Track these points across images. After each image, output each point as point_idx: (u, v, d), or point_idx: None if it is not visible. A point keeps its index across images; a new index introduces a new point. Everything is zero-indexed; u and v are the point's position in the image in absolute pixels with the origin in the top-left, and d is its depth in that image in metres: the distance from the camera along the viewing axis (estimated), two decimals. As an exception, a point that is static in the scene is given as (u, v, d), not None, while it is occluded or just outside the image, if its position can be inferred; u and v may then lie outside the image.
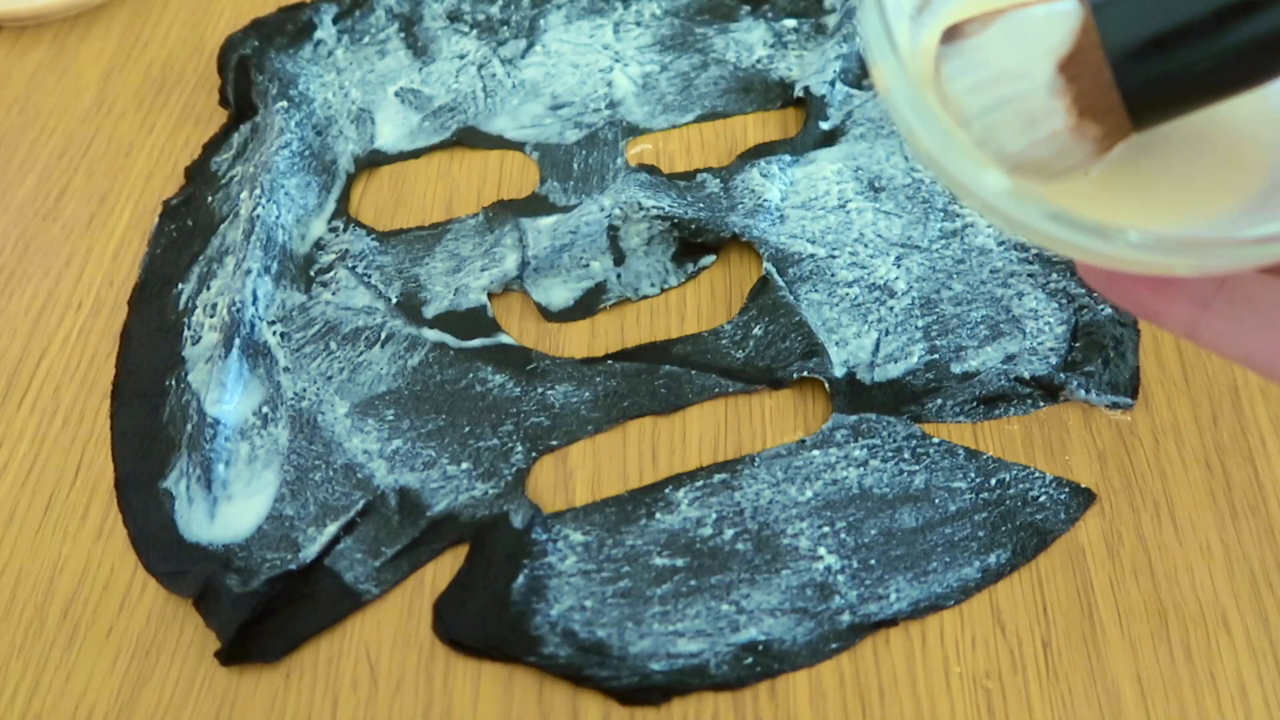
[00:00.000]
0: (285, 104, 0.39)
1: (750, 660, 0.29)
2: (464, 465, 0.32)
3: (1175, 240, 0.17)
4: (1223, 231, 0.19)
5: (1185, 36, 0.18)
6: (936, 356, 0.34)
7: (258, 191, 0.36)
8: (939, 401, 0.33)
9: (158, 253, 0.37)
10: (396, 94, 0.41)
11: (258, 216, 0.35)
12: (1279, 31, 0.18)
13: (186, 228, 0.37)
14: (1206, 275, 0.19)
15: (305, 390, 0.33)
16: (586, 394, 0.33)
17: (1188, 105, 0.19)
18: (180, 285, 0.36)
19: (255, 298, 0.34)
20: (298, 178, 0.37)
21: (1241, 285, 0.20)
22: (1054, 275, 0.35)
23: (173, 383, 0.33)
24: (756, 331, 0.34)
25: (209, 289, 0.35)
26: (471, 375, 0.34)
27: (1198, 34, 0.18)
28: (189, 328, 0.34)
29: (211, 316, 0.34)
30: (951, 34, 0.20)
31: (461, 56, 0.42)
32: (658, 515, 0.31)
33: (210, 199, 0.38)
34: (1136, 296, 0.21)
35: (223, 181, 0.38)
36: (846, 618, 0.29)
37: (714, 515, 0.31)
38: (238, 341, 0.33)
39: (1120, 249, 0.17)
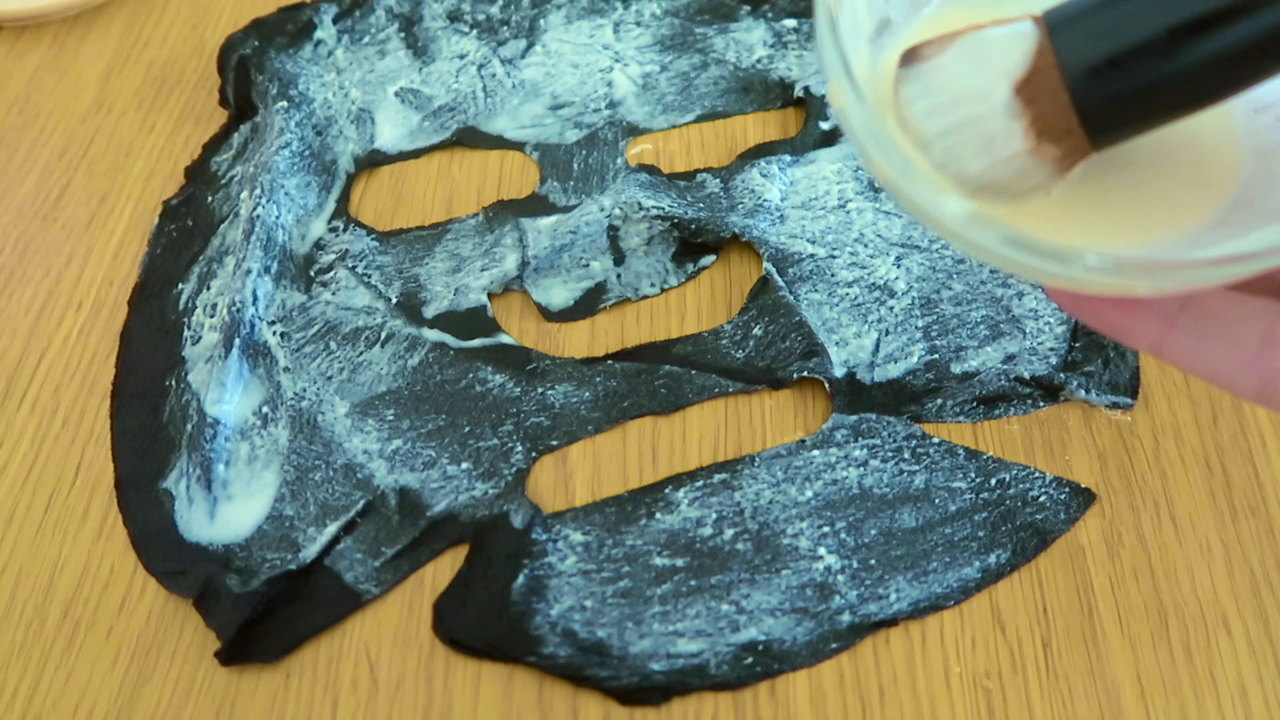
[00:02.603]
0: (285, 104, 0.39)
1: (750, 660, 0.29)
2: (464, 465, 0.32)
3: (1134, 262, 0.17)
4: (1187, 248, 0.19)
5: (1140, 56, 0.18)
6: (936, 356, 0.34)
7: (258, 191, 0.36)
8: (939, 401, 0.33)
9: (158, 253, 0.37)
10: (396, 94, 0.41)
11: (258, 216, 0.35)
12: (1233, 49, 0.18)
13: (186, 228, 0.37)
14: (1168, 295, 0.19)
15: (305, 390, 0.33)
16: (586, 394, 0.33)
17: (1145, 124, 0.19)
18: (180, 285, 0.36)
19: (255, 298, 0.34)
20: (298, 178, 0.37)
21: (1205, 302, 0.20)
22: (1054, 275, 0.35)
23: (173, 383, 0.33)
24: (756, 331, 0.34)
25: (209, 289, 0.35)
26: (471, 375, 0.34)
27: (1152, 53, 0.18)
28: (189, 328, 0.34)
29: (211, 316, 0.34)
30: (910, 56, 0.20)
31: (461, 56, 0.42)
32: (658, 515, 0.31)
33: (210, 199, 0.38)
34: (1101, 315, 0.21)
35: (223, 181, 0.38)
36: (846, 618, 0.29)
37: (714, 515, 0.31)
38: (238, 341, 0.33)
39: (1079, 272, 0.17)
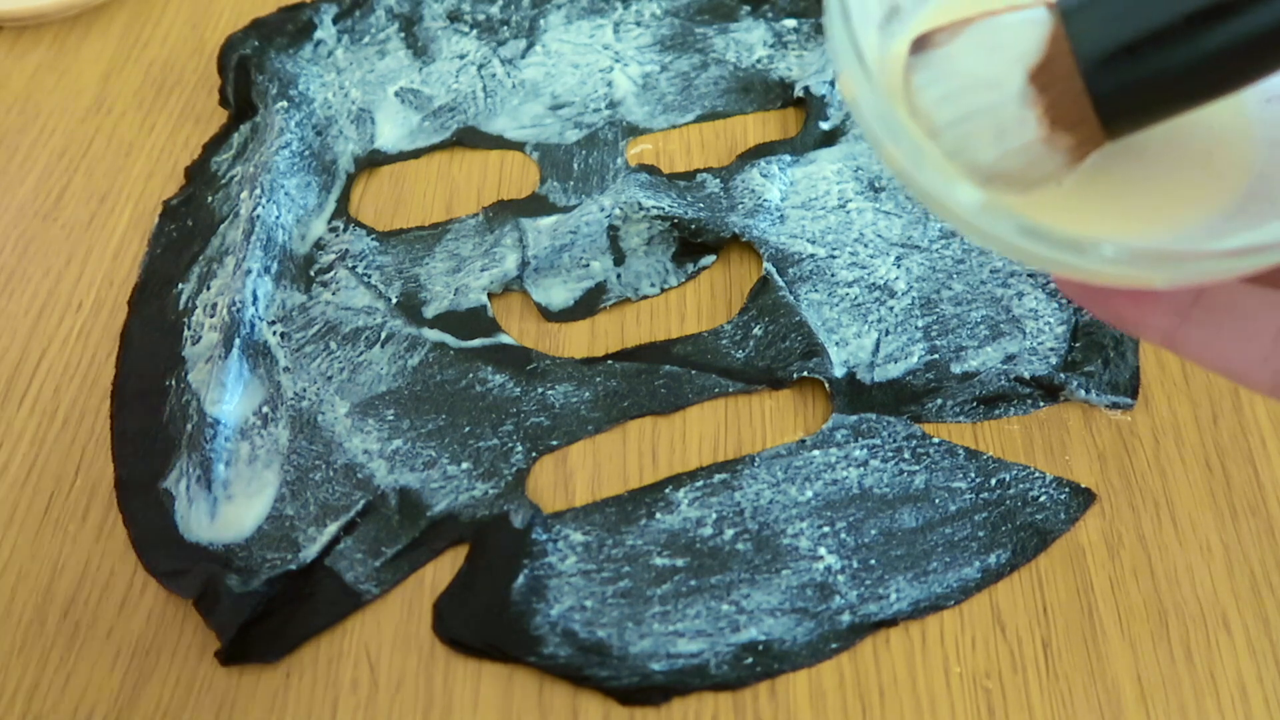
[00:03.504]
0: (285, 104, 0.39)
1: (750, 660, 0.29)
2: (464, 465, 0.32)
3: (1150, 253, 0.17)
4: (1198, 240, 0.19)
5: (1156, 43, 0.18)
6: (936, 356, 0.34)
7: (258, 191, 0.36)
8: (939, 401, 0.33)
9: (158, 253, 0.37)
10: (396, 94, 0.41)
11: (258, 216, 0.35)
12: (1251, 37, 0.17)
13: (186, 228, 0.37)
14: (1183, 287, 0.19)
15: (305, 390, 0.33)
16: (586, 394, 0.33)
17: (1160, 113, 0.19)
18: (180, 285, 0.36)
19: (255, 298, 0.34)
20: (298, 178, 0.37)
21: (1219, 295, 0.20)
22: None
23: (173, 383, 0.33)
24: (756, 331, 0.34)
25: (209, 289, 0.35)
26: (471, 375, 0.34)
27: (1169, 40, 0.18)
28: (189, 328, 0.34)
29: (211, 316, 0.34)
30: (921, 43, 0.20)
31: (461, 56, 0.42)
32: (658, 515, 0.31)
33: (210, 199, 0.38)
34: (1114, 308, 0.21)
35: (223, 181, 0.38)
36: (846, 618, 0.29)
37: (714, 515, 0.31)
38: (238, 341, 0.33)
39: (1095, 263, 0.17)
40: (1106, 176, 0.20)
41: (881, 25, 0.21)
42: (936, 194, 0.18)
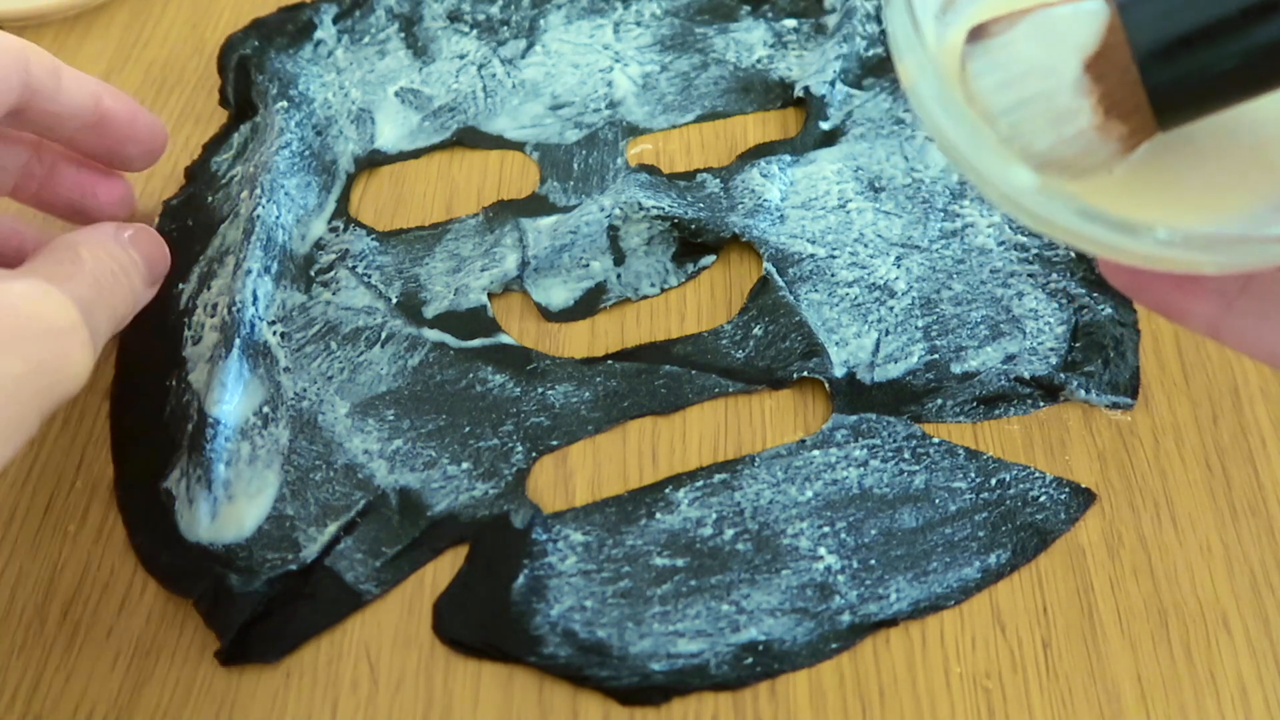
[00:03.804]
0: (285, 104, 0.39)
1: (750, 660, 0.29)
2: (464, 465, 0.32)
3: (1203, 237, 0.17)
4: (1246, 231, 0.19)
5: (1212, 36, 0.18)
6: (936, 356, 0.34)
7: (258, 191, 0.36)
8: (939, 401, 0.33)
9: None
10: (396, 94, 0.41)
11: (258, 216, 0.35)
12: None
13: (187, 228, 0.37)
14: (1233, 273, 0.19)
15: (306, 390, 0.33)
16: (586, 394, 0.33)
17: (1214, 105, 0.19)
18: (180, 285, 0.35)
19: (255, 298, 0.34)
20: (298, 178, 0.37)
21: (1266, 282, 0.20)
22: (1054, 275, 0.35)
23: (173, 383, 0.33)
24: (756, 331, 0.34)
25: (210, 289, 0.35)
26: (471, 375, 0.34)
27: (1224, 33, 0.18)
28: (189, 328, 0.34)
29: (212, 316, 0.34)
30: (977, 33, 0.20)
31: (461, 56, 0.42)
32: (658, 515, 0.31)
33: (210, 199, 0.38)
34: (1159, 294, 0.21)
35: (223, 181, 0.38)
36: (846, 618, 0.29)
37: (714, 515, 0.31)
38: (238, 341, 0.33)
39: (1148, 246, 0.17)
40: (1156, 166, 0.20)
41: (938, 15, 0.21)
42: (992, 176, 0.18)
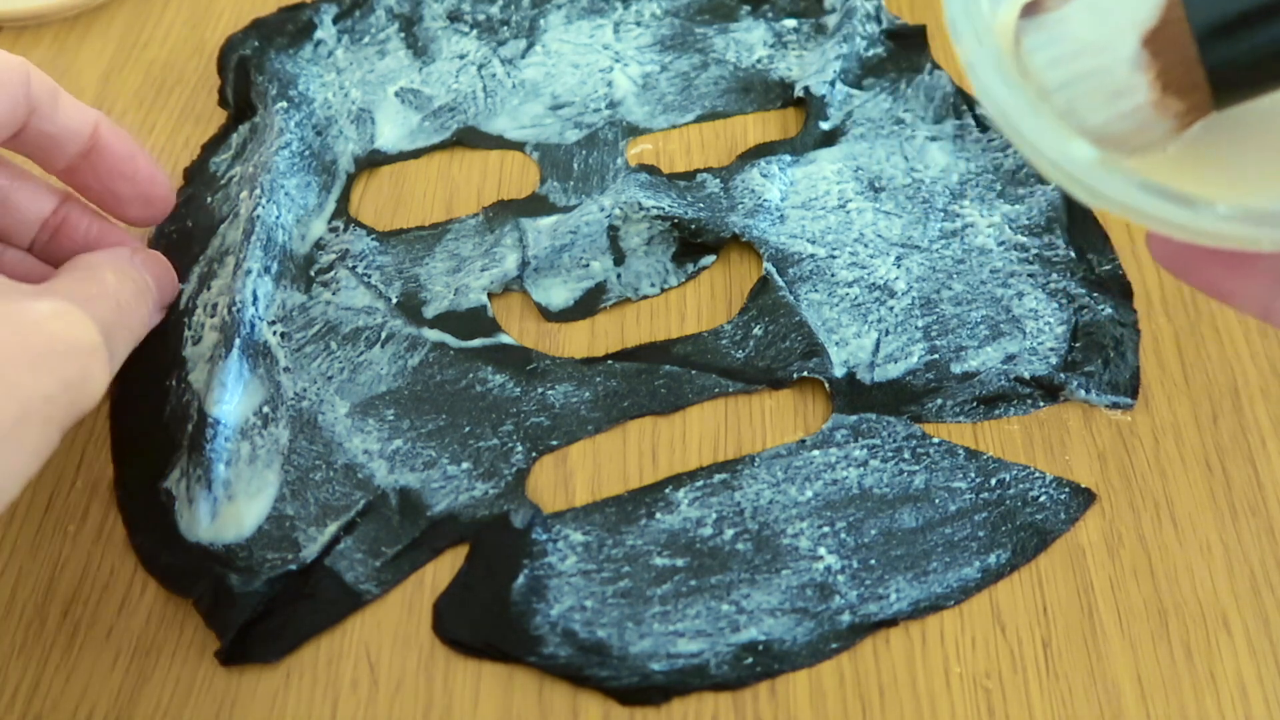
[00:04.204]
0: (285, 104, 0.39)
1: (750, 660, 0.29)
2: (464, 465, 0.32)
3: (1266, 213, 0.17)
4: None
5: (1273, 13, 0.18)
6: (936, 356, 0.34)
7: (258, 192, 0.36)
8: (939, 401, 0.33)
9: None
10: (396, 94, 0.41)
11: (258, 216, 0.35)
12: None
13: (186, 229, 0.37)
14: None
15: (306, 390, 0.33)
16: (586, 394, 0.33)
17: (1273, 83, 0.19)
18: (181, 285, 0.35)
19: (255, 298, 0.34)
20: (298, 178, 0.37)
21: None
22: (1054, 275, 0.35)
23: (173, 383, 0.33)
24: (756, 331, 0.34)
25: (209, 289, 0.35)
26: (471, 375, 0.34)
27: None
28: (190, 327, 0.34)
29: (212, 316, 0.34)
30: (1031, 8, 0.20)
31: (461, 56, 0.42)
32: (658, 515, 0.31)
33: (210, 200, 0.38)
34: (1209, 275, 0.21)
35: (222, 182, 0.38)
36: (846, 618, 0.29)
37: (714, 515, 0.31)
38: (238, 341, 0.33)
39: (1209, 221, 0.17)
40: (1209, 144, 0.20)
41: None
42: (1049, 151, 0.18)
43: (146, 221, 0.33)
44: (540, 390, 0.33)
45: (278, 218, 0.36)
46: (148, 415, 0.33)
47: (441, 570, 0.31)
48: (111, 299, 0.28)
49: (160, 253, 0.33)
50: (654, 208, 0.35)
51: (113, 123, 0.31)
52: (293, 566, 0.30)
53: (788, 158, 0.38)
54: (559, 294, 0.35)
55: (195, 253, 0.36)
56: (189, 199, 0.38)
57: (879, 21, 0.41)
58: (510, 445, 0.32)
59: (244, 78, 0.40)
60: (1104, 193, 0.18)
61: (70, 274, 0.28)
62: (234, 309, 0.33)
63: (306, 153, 0.38)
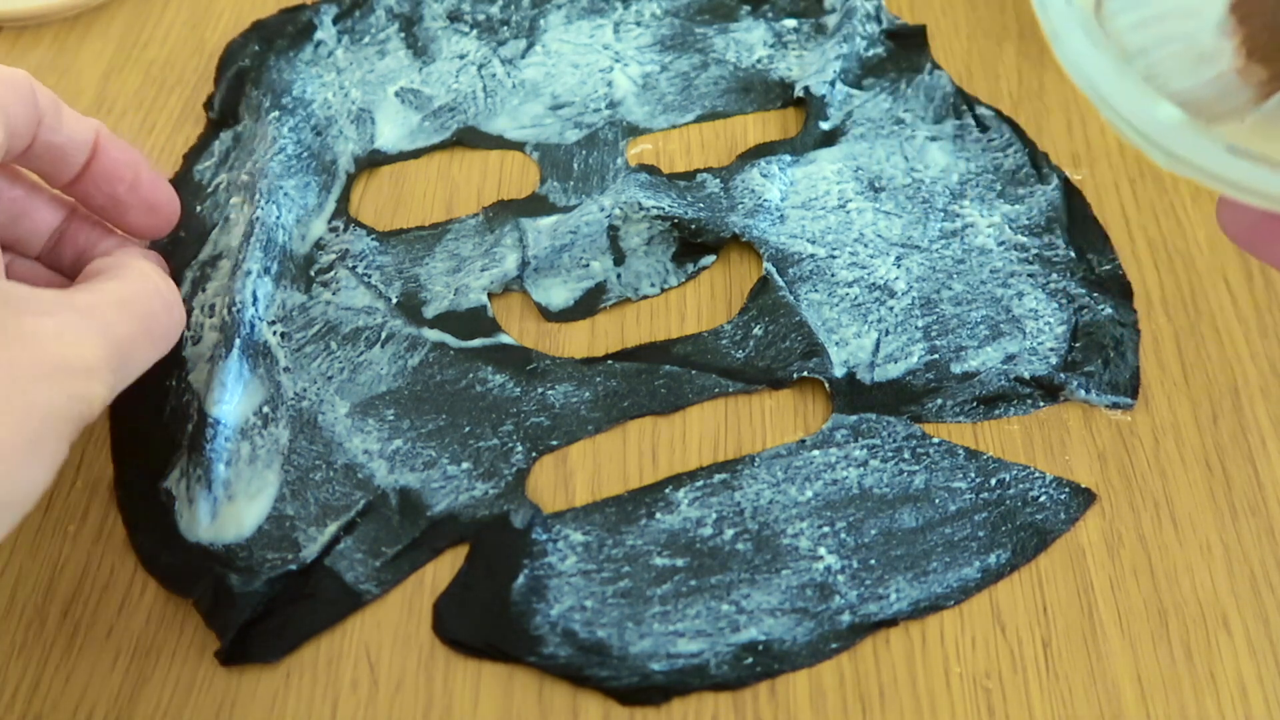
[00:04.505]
0: (278, 114, 0.38)
1: (750, 660, 0.29)
2: (464, 465, 0.32)
3: None
4: None
5: None
6: (936, 356, 0.34)
7: (257, 196, 0.36)
8: (939, 401, 0.33)
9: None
10: (396, 94, 0.41)
11: (257, 218, 0.35)
12: None
13: (178, 237, 0.36)
14: None
15: (306, 390, 0.33)
16: (586, 394, 0.33)
17: None
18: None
19: (255, 298, 0.34)
20: (296, 179, 0.37)
21: None
22: (1054, 275, 0.35)
23: (173, 383, 0.33)
24: (756, 331, 0.34)
25: (205, 290, 0.35)
26: (471, 375, 0.34)
27: None
28: (189, 328, 0.34)
29: (211, 316, 0.34)
30: None
31: (461, 56, 0.42)
32: (658, 515, 0.31)
33: (199, 208, 0.37)
34: None
35: (209, 190, 0.38)
36: (846, 618, 0.29)
37: (714, 515, 0.31)
38: (238, 342, 0.33)
39: None
40: None
41: None
42: (1133, 114, 0.18)
43: (154, 230, 0.33)
44: (540, 390, 0.33)
45: (277, 218, 0.36)
46: (148, 415, 0.33)
47: (441, 570, 0.31)
48: (129, 308, 0.28)
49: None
50: (654, 208, 0.35)
51: (111, 132, 0.31)
52: (293, 566, 0.30)
53: (788, 158, 0.38)
54: (559, 294, 0.35)
55: (188, 257, 0.36)
56: None
57: (879, 21, 0.42)
58: (510, 445, 0.32)
59: (237, 89, 0.40)
60: (1187, 157, 0.18)
61: (90, 283, 0.28)
62: (234, 309, 0.33)
63: (304, 154, 0.38)
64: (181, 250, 0.36)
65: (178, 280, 0.35)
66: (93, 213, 0.32)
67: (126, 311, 0.27)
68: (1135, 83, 0.19)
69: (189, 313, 0.34)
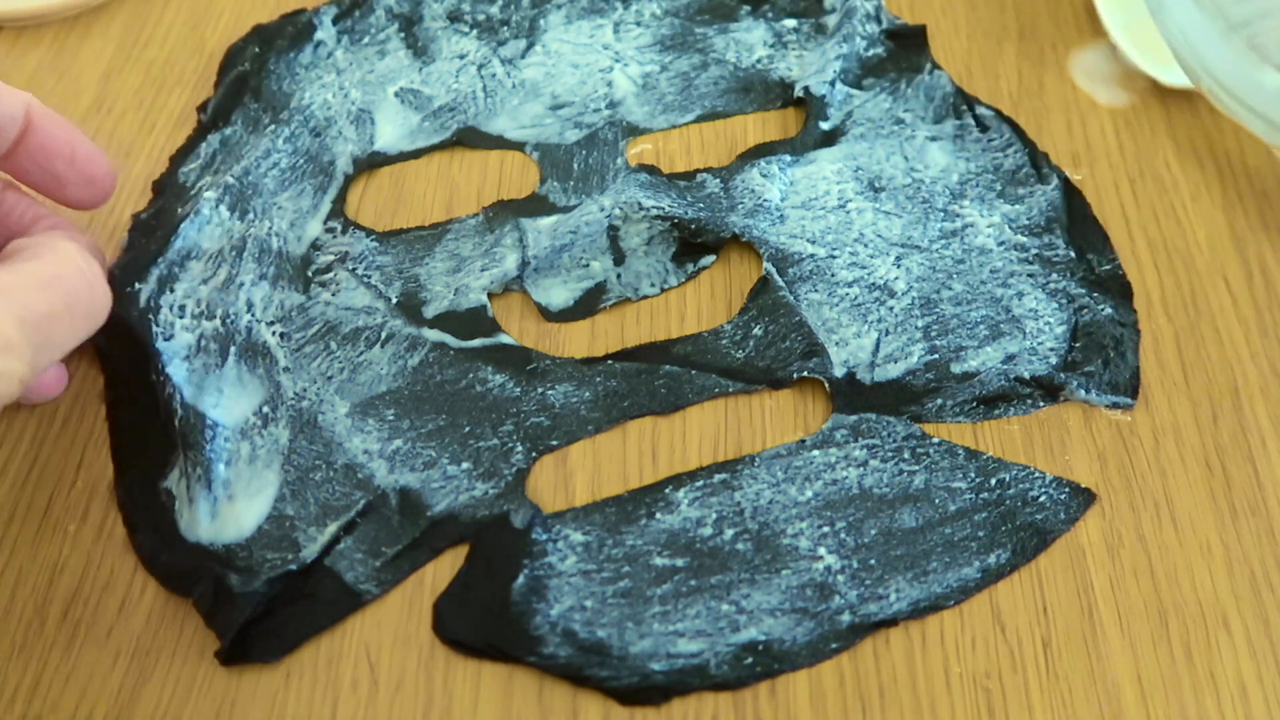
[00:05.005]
0: (274, 126, 0.38)
1: (750, 660, 0.29)
2: (464, 465, 0.32)
3: None
4: None
5: None
6: (936, 356, 0.34)
7: (250, 215, 0.35)
8: (939, 401, 0.33)
9: (125, 263, 0.36)
10: (396, 94, 0.41)
11: (250, 235, 0.35)
12: None
13: (155, 235, 0.36)
14: None
15: (305, 390, 0.33)
16: (586, 394, 0.33)
17: None
18: (138, 285, 0.34)
19: (250, 304, 0.34)
20: (290, 189, 0.37)
21: None
22: (1054, 275, 0.35)
23: (155, 377, 0.33)
24: (756, 331, 0.34)
25: (173, 291, 0.34)
26: (471, 375, 0.34)
27: None
28: (157, 324, 0.33)
29: (182, 317, 0.33)
30: None
31: (461, 56, 0.42)
32: (658, 515, 0.31)
33: (180, 210, 0.37)
34: None
35: (191, 193, 0.37)
36: (846, 618, 0.29)
37: (714, 515, 0.31)
38: (233, 350, 0.33)
39: None
40: None
41: None
42: (1235, 81, 0.18)
43: (90, 203, 0.33)
44: (540, 390, 0.33)
45: (270, 229, 0.36)
46: (144, 414, 0.33)
47: (441, 570, 0.31)
48: (51, 288, 0.27)
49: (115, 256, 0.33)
50: (654, 208, 0.35)
51: (43, 105, 0.31)
52: (293, 566, 0.30)
53: (788, 158, 0.38)
54: (559, 294, 0.35)
55: (153, 252, 0.35)
56: (159, 212, 0.37)
57: (879, 21, 0.42)
58: (510, 445, 0.32)
59: (235, 95, 0.40)
60: None
61: (8, 263, 0.28)
62: (227, 320, 0.33)
63: (300, 163, 0.38)
64: (155, 246, 0.36)
65: (142, 275, 0.34)
66: (31, 188, 0.32)
67: (48, 291, 0.27)
68: (1241, 51, 0.19)
69: (156, 310, 0.34)
